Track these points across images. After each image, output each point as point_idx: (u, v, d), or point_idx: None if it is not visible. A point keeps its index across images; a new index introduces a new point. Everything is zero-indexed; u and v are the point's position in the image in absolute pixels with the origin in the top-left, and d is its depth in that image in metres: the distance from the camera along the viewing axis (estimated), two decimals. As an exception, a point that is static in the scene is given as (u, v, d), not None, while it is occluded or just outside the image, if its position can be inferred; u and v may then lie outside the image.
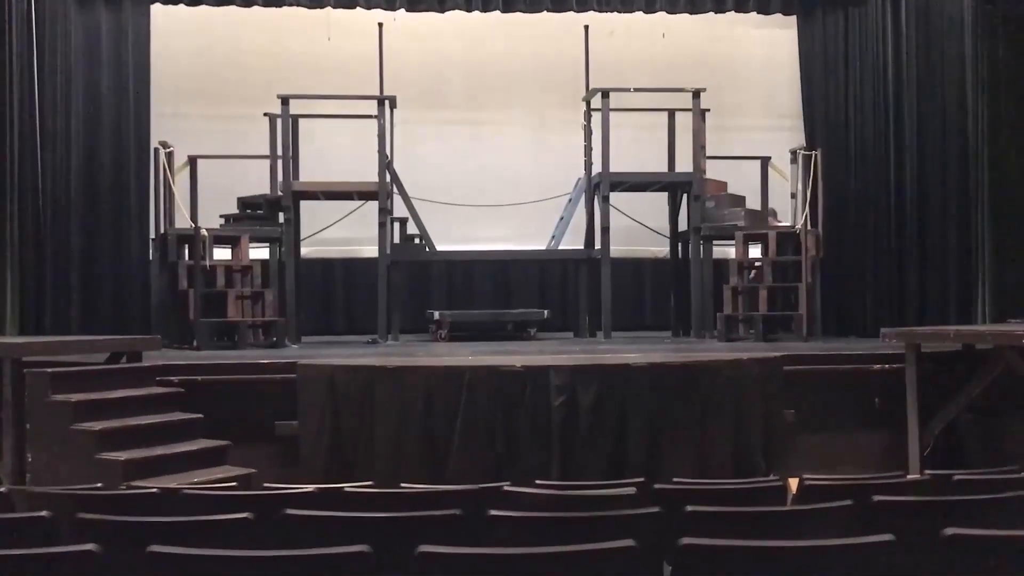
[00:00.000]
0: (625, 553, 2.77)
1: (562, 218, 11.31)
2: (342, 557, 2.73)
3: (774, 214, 10.88)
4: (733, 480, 4.76)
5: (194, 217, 10.27)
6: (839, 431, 7.47)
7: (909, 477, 5.74)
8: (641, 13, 11.55)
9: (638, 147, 11.36)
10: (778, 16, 11.88)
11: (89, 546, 2.77)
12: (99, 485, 4.64)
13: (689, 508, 3.39)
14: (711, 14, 11.71)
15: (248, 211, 10.65)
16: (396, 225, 10.74)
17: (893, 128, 10.64)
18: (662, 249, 11.93)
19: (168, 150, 10.02)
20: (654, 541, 3.21)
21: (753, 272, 10.32)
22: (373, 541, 2.82)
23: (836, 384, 7.60)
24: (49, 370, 6.48)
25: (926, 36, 10.37)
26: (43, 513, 3.37)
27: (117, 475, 5.81)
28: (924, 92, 10.37)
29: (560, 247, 11.22)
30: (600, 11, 11.44)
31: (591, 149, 11.01)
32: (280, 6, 11.15)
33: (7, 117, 9.13)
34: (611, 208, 10.65)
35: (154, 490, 4.13)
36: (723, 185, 11.05)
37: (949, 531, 2.85)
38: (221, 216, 10.60)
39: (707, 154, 10.74)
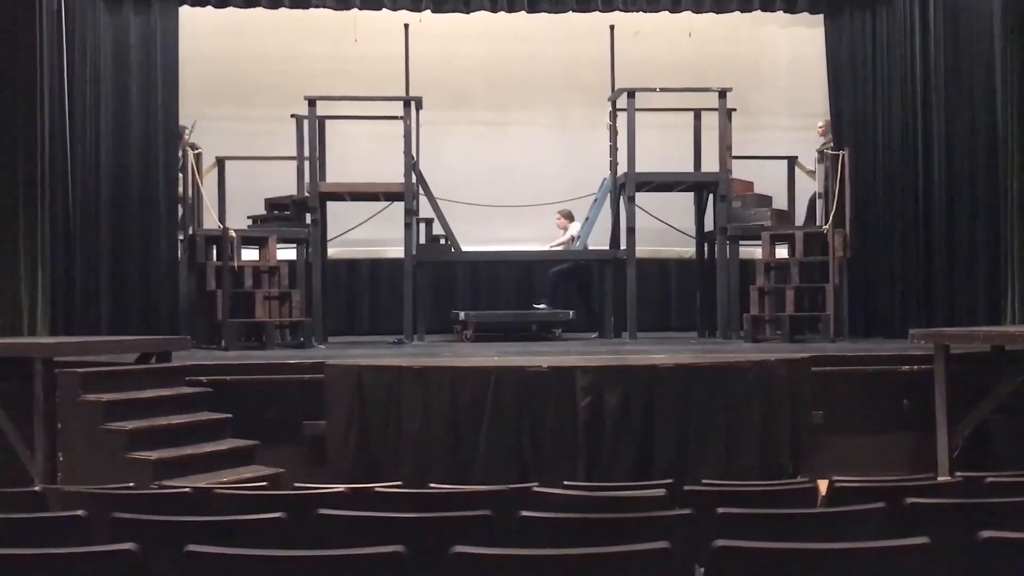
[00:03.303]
0: (658, 555, 2.78)
1: (587, 218, 11.31)
2: (377, 557, 2.75)
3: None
4: (763, 482, 4.74)
5: (222, 218, 10.33)
6: (867, 433, 7.43)
7: (939, 479, 5.71)
8: (667, 13, 11.49)
9: (664, 147, 11.34)
10: (805, 15, 11.81)
11: (128, 545, 2.80)
12: (131, 484, 4.68)
13: (720, 510, 3.38)
14: (737, 13, 11.64)
15: (275, 212, 10.71)
16: (422, 226, 10.77)
17: (921, 127, 10.56)
18: (688, 249, 11.90)
19: (196, 152, 10.09)
20: (685, 543, 3.21)
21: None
22: (405, 541, 2.83)
23: (864, 385, 7.57)
24: (80, 370, 6.54)
25: (954, 34, 10.28)
26: (79, 512, 3.41)
27: (147, 474, 5.85)
28: (952, 91, 10.28)
29: (585, 247, 11.22)
30: (626, 11, 11.39)
31: (616, 149, 11.00)
32: (307, 8, 11.18)
33: (38, 119, 9.20)
34: (636, 208, 10.64)
35: (187, 490, 4.16)
36: (749, 185, 11.02)
37: (985, 534, 2.84)
38: (249, 217, 10.67)
39: (733, 154, 10.70)
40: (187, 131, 10.56)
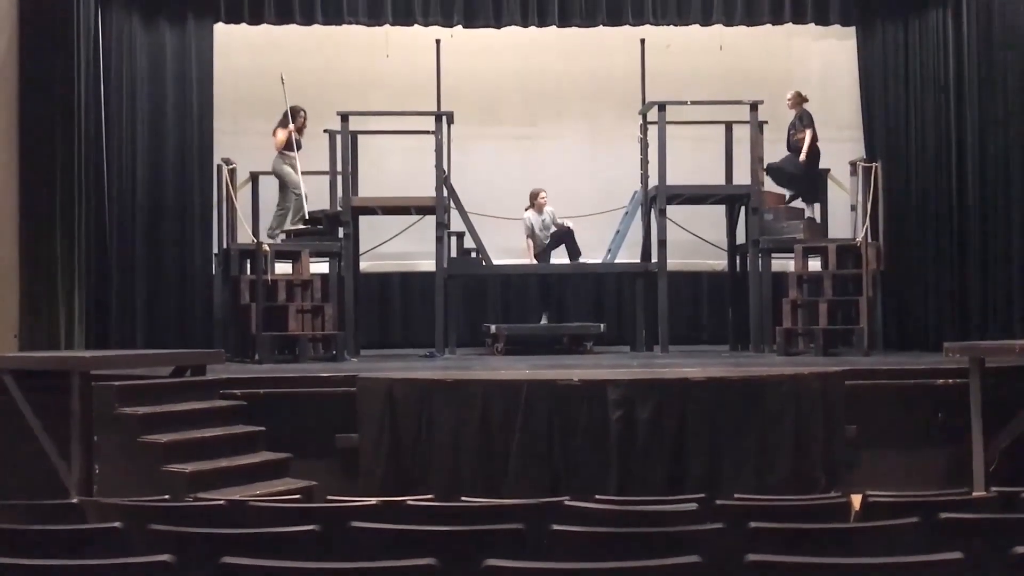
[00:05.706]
0: (690, 569, 2.78)
1: (618, 231, 11.28)
2: (409, 570, 2.76)
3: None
4: (796, 496, 4.72)
5: (256, 232, 10.42)
6: (901, 447, 7.36)
7: (975, 494, 5.65)
8: (698, 26, 11.50)
9: (695, 160, 11.32)
10: (836, 27, 11.77)
11: (164, 556, 2.83)
12: (166, 496, 4.73)
13: (753, 524, 3.37)
14: (768, 26, 11.62)
15: (308, 226, 10.78)
16: (453, 239, 10.80)
17: (955, 138, 10.49)
18: (719, 262, 11.86)
19: (231, 167, 10.18)
20: (717, 557, 3.20)
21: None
22: (438, 554, 2.84)
23: (898, 399, 7.50)
24: (116, 383, 6.61)
25: (988, 45, 10.22)
26: (115, 524, 3.45)
27: (182, 487, 5.90)
28: (986, 102, 10.22)
29: (616, 260, 11.20)
30: (656, 25, 11.41)
31: (647, 162, 10.99)
32: (339, 24, 11.28)
33: (75, 134, 9.35)
34: (668, 221, 10.62)
35: (222, 502, 4.20)
36: (781, 197, 10.98)
37: (1020, 549, 2.81)
38: (282, 231, 10.74)
39: (765, 166, 10.68)
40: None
